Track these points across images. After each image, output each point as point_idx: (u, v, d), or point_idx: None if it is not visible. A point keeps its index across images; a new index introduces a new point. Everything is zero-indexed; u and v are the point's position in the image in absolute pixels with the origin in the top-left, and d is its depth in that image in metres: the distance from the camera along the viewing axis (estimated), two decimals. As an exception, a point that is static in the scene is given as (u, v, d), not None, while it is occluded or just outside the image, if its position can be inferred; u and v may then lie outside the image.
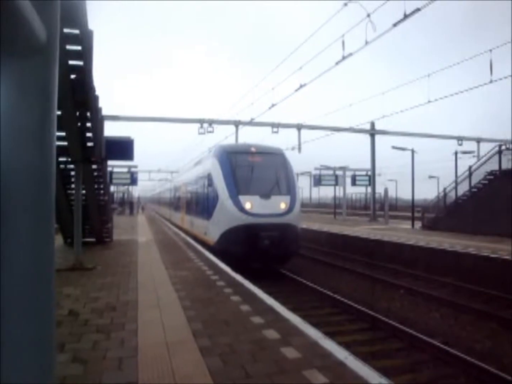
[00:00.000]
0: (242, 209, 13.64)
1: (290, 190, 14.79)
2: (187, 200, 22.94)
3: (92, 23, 6.48)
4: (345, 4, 13.53)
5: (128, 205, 48.18)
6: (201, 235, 16.90)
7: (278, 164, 15.39)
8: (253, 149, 15.53)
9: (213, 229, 14.89)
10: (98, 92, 9.71)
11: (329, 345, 4.79)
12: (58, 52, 1.37)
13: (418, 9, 12.49)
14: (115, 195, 49.74)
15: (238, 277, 8.96)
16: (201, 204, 17.50)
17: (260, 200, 13.91)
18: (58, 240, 14.22)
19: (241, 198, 13.83)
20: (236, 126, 27.60)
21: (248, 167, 14.80)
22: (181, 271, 9.61)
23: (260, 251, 13.31)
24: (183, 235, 19.53)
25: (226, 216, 13.92)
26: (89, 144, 10.47)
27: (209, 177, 15.67)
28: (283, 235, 13.61)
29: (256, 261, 13.61)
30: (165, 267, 10.15)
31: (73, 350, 4.55)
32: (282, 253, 13.91)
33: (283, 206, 14.14)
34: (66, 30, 6.32)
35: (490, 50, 15.20)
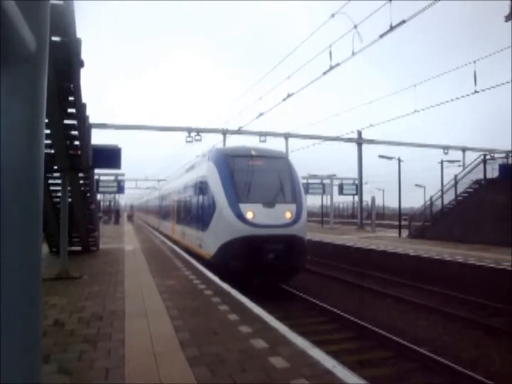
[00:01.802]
0: (243, 218, 12.31)
1: (296, 197, 13.42)
2: (178, 209, 21.24)
3: (79, 28, 6.46)
4: (332, 15, 13.69)
5: (114, 213, 46.83)
6: (195, 248, 15.32)
7: (282, 169, 14.03)
8: (253, 152, 14.09)
9: (209, 241, 13.39)
10: (85, 99, 9.68)
11: (317, 354, 4.79)
12: (47, 61, 1.37)
13: (403, 21, 12.69)
14: (101, 203, 48.81)
15: (226, 287, 8.92)
16: (196, 213, 15.76)
17: (263, 209, 12.60)
18: (43, 248, 14.04)
19: (242, 206, 12.46)
20: (224, 135, 27.67)
21: (249, 172, 13.35)
22: (168, 280, 9.54)
23: (264, 266, 12.12)
24: (170, 244, 19.36)
25: (225, 226, 12.54)
26: (76, 152, 10.41)
27: (205, 183, 14.13)
28: (289, 248, 12.44)
29: (259, 277, 12.24)
30: (152, 276, 10.06)
31: (59, 361, 4.48)
32: (288, 268, 12.63)
33: (288, 215, 12.85)
34: (54, 38, 6.30)
35: (474, 62, 15.46)
